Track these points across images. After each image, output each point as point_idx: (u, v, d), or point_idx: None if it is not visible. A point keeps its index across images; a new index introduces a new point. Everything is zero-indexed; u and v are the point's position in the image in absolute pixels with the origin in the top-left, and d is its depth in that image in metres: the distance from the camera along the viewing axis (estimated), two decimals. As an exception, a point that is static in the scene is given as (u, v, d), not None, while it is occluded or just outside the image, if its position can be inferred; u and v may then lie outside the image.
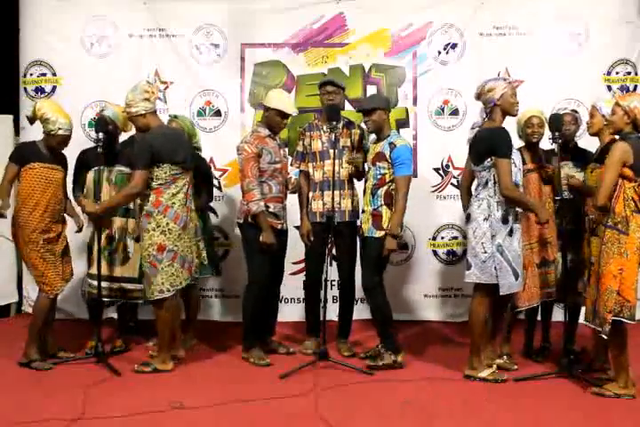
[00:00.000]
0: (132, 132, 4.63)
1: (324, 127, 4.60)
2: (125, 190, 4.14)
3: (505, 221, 3.91)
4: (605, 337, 3.70)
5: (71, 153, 4.56)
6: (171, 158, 4.11)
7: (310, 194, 4.65)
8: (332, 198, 4.33)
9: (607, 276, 3.68)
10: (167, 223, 4.11)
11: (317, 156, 4.62)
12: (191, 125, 4.82)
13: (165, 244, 4.11)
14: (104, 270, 4.38)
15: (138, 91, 4.18)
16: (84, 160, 4.56)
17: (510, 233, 3.93)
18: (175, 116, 4.74)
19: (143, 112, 4.16)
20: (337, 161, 4.51)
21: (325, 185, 4.55)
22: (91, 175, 4.50)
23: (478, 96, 4.04)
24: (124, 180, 4.46)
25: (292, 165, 4.80)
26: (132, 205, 4.49)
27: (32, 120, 4.36)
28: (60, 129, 4.24)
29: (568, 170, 4.30)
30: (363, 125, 4.62)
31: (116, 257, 4.50)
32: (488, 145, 3.94)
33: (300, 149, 4.72)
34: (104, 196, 4.39)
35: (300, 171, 4.74)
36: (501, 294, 3.95)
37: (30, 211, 4.23)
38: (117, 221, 4.52)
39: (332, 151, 4.49)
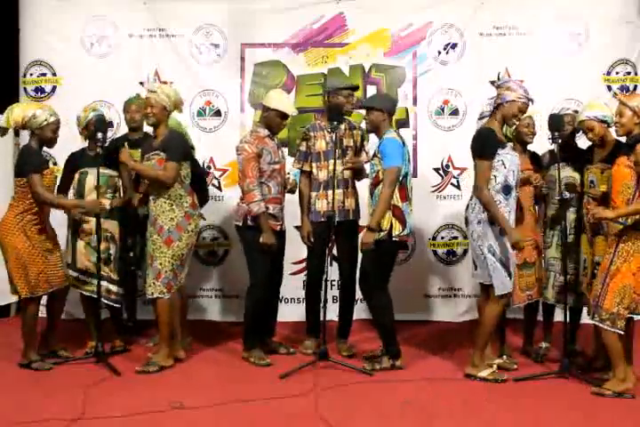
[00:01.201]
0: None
1: (328, 127, 4.59)
2: (160, 174, 4.19)
3: (492, 222, 3.93)
4: (622, 332, 3.71)
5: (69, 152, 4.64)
6: (191, 157, 4.39)
7: (313, 194, 4.63)
8: (333, 198, 4.32)
9: (625, 274, 3.68)
10: (197, 225, 4.37)
11: (322, 155, 4.60)
12: (179, 125, 4.82)
13: (194, 244, 4.40)
14: (92, 267, 4.40)
15: (178, 97, 4.32)
16: (74, 163, 4.54)
17: (502, 233, 3.93)
18: None
19: (167, 109, 4.25)
20: (339, 161, 4.50)
21: (330, 184, 4.55)
22: (90, 177, 4.46)
23: (498, 87, 4.03)
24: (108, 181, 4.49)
25: (293, 165, 4.80)
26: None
27: (5, 131, 4.27)
28: (51, 116, 4.24)
29: (565, 171, 4.29)
30: (363, 126, 4.64)
31: (100, 257, 4.41)
32: (473, 145, 4.00)
33: (302, 148, 4.70)
34: (99, 195, 4.38)
35: (302, 171, 4.73)
36: (497, 294, 3.97)
37: (37, 213, 4.25)
38: (106, 223, 4.43)
39: (334, 151, 4.49)
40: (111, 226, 4.51)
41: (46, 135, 4.25)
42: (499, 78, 4.12)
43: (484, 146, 3.94)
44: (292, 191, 4.63)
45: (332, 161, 4.49)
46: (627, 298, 3.68)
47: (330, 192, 4.48)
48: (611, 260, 3.72)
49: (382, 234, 4.16)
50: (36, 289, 4.24)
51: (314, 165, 4.63)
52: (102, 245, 4.37)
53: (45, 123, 4.21)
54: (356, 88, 4.69)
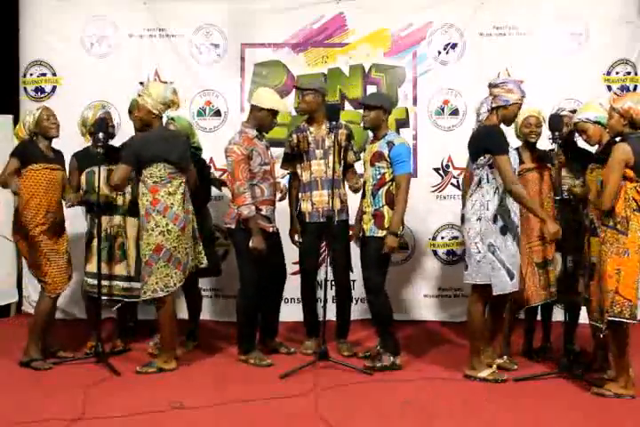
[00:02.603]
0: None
1: (311, 129, 4.59)
2: (110, 181, 4.24)
3: (495, 219, 3.92)
4: (601, 335, 3.73)
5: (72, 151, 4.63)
6: (164, 157, 4.15)
7: (300, 195, 4.64)
8: (332, 197, 4.31)
9: (604, 276, 3.70)
10: (167, 224, 4.14)
11: (304, 156, 4.59)
12: (189, 126, 4.81)
13: (163, 244, 4.14)
14: (102, 268, 4.36)
15: (167, 94, 4.21)
16: (78, 163, 4.55)
17: (504, 232, 3.93)
18: (172, 118, 4.71)
19: (151, 110, 4.18)
20: (322, 161, 4.50)
21: (313, 185, 4.55)
22: (89, 176, 4.49)
23: (495, 86, 4.00)
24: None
25: (281, 167, 4.78)
26: (120, 202, 4.51)
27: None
28: (37, 109, 4.37)
29: (563, 172, 4.29)
30: (350, 125, 4.62)
31: (113, 255, 4.47)
32: (483, 143, 3.97)
33: (288, 151, 4.69)
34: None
35: (291, 173, 4.72)
36: (494, 293, 3.95)
37: (34, 211, 4.23)
38: (116, 219, 4.49)
39: (318, 151, 4.50)
40: (125, 222, 4.51)
41: (42, 125, 4.30)
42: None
43: (501, 141, 3.93)
44: (282, 198, 4.61)
45: (314, 161, 4.54)
46: (607, 300, 3.67)
47: (314, 193, 4.54)
48: (599, 262, 3.77)
49: (385, 232, 4.23)
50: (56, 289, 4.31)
51: (298, 166, 4.63)
52: (116, 243, 4.47)
53: (38, 117, 4.30)
54: (299, 88, 4.66)
